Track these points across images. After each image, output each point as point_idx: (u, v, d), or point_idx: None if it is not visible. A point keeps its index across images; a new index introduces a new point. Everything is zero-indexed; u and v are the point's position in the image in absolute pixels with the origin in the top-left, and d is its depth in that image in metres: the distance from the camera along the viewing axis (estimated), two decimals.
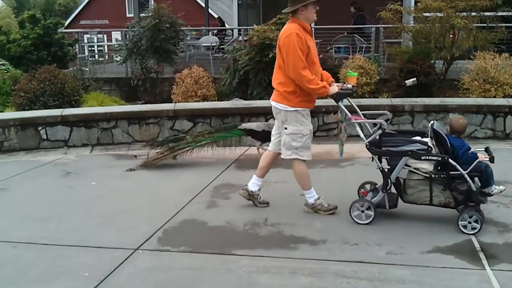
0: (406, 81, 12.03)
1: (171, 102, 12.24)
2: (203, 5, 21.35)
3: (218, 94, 12.46)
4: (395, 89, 12.40)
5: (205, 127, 9.94)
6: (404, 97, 11.60)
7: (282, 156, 6.28)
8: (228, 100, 11.82)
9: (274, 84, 6.25)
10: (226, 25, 23.39)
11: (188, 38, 19.48)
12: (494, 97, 10.96)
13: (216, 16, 28.00)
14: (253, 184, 6.55)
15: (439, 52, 12.38)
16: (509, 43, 13.55)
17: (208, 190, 7.24)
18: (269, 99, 11.70)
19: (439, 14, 11.94)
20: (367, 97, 12.00)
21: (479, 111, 9.71)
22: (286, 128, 6.04)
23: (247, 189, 6.54)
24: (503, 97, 11.00)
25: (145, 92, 13.74)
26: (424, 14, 12.51)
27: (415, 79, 11.98)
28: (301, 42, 5.73)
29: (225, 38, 18.61)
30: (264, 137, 8.34)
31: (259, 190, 6.59)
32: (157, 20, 13.21)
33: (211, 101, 12.17)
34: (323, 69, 13.16)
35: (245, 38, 13.46)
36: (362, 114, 6.23)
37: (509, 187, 6.82)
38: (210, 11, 28.18)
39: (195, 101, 11.81)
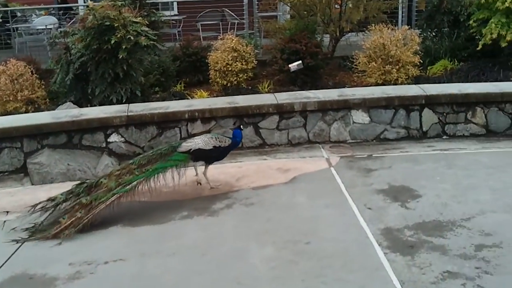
0: (290, 66, 9.06)
1: None
2: None
3: (51, 95, 8.82)
4: (277, 74, 9.46)
5: (15, 154, 6.40)
6: (290, 86, 8.80)
7: None
8: (61, 104, 8.24)
9: None
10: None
11: (34, 20, 15.18)
12: (397, 80, 8.39)
13: None
14: None
15: (326, 27, 9.57)
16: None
17: None
18: (117, 98, 8.48)
19: None
20: (243, 88, 8.95)
21: (388, 105, 7.03)
22: None
23: None
24: (407, 79, 8.46)
25: None
26: None
27: (300, 62, 9.08)
28: None
29: (68, 17, 14.62)
30: (216, 155, 5.76)
31: None
32: None
33: (39, 105, 8.54)
34: (186, 54, 10.03)
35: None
36: None
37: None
38: None
39: (14, 108, 8.13)
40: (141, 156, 5.54)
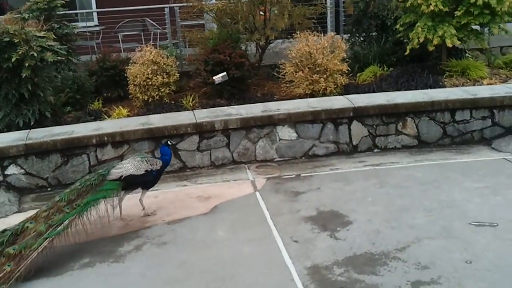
0: (215, 78, 8.36)
1: None
2: None
3: None
4: (203, 87, 8.75)
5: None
6: (216, 99, 8.13)
7: None
8: None
9: None
10: None
11: None
12: (325, 89, 7.83)
13: None
14: None
15: (250, 36, 8.94)
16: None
17: None
18: (24, 121, 7.36)
19: None
20: (166, 103, 8.16)
21: (315, 120, 6.48)
22: None
23: None
24: (336, 88, 7.93)
25: None
26: None
27: (224, 73, 8.38)
28: None
29: None
30: (149, 180, 5.14)
31: None
32: None
33: None
34: (104, 68, 9.12)
35: None
36: None
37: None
38: None
39: None
40: (68, 190, 4.74)
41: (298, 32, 8.44)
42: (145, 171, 5.05)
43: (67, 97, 8.12)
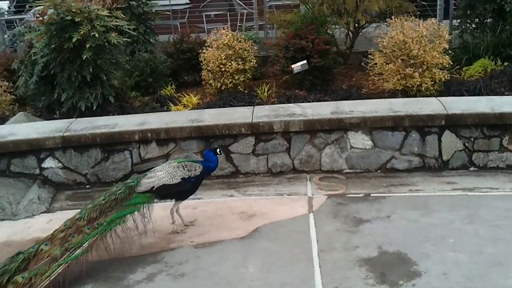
0: (293, 66, 7.40)
1: None
2: None
3: (19, 100, 7.47)
4: (283, 76, 7.71)
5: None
6: (295, 89, 7.21)
7: None
8: (27, 111, 6.96)
9: None
10: None
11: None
12: (420, 86, 6.48)
13: None
14: None
15: (338, 20, 7.72)
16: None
17: None
18: (86, 105, 6.39)
19: None
20: (240, 92, 7.22)
21: (397, 126, 5.23)
22: None
23: None
24: (433, 85, 6.54)
25: None
26: None
27: (304, 62, 7.27)
28: None
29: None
30: (185, 189, 4.31)
31: None
32: None
33: (3, 112, 7.19)
34: (180, 51, 8.35)
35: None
36: None
37: None
38: None
39: None
40: (90, 206, 4.00)
41: (393, 17, 7.10)
42: (181, 179, 4.22)
43: (134, 81, 7.53)
